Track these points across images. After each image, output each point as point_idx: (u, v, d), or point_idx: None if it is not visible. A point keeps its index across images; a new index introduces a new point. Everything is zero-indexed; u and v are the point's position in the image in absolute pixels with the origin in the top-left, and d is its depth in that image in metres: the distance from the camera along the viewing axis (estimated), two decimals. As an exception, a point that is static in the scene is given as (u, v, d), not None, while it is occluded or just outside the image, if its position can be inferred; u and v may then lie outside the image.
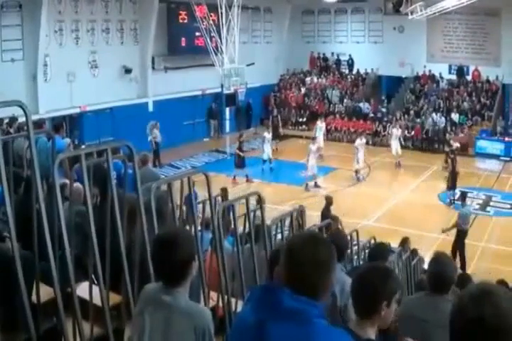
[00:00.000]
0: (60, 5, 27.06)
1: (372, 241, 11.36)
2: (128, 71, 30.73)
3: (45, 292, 4.98)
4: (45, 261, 4.53)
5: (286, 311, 2.77)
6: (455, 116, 35.42)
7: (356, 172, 27.40)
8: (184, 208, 5.96)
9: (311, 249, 2.84)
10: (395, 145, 30.51)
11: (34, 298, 4.86)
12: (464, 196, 19.58)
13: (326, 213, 17.21)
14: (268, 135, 28.78)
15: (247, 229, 6.63)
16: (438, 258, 5.47)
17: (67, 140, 14.76)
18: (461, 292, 2.69)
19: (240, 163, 26.96)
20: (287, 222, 7.48)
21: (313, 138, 27.36)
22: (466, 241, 18.41)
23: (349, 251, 10.05)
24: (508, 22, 34.70)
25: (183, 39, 33.40)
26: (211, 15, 31.35)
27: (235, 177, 26.78)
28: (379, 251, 7.75)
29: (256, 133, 36.56)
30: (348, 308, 5.32)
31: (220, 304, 5.91)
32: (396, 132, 31.19)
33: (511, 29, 34.04)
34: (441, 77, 38.57)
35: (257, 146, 32.21)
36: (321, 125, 32.22)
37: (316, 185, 25.68)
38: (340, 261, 6.34)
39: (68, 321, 4.70)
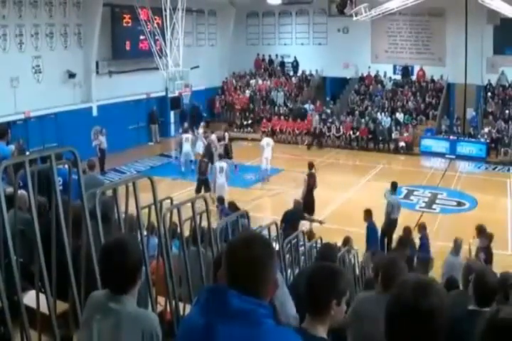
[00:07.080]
0: (4, 9, 26.64)
1: (319, 242, 11.43)
2: (72, 76, 30.37)
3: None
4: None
5: (235, 312, 2.74)
6: (400, 116, 35.89)
7: None
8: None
9: (247, 248, 2.84)
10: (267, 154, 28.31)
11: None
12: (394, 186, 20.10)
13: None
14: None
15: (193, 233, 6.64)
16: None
17: (12, 147, 14.57)
18: (399, 284, 2.76)
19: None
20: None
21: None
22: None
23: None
24: (453, 22, 35.39)
25: (128, 43, 33.20)
26: (155, 19, 31.18)
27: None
28: (328, 251, 7.76)
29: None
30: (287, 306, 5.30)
31: (168, 309, 5.91)
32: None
33: (456, 29, 34.56)
34: (386, 77, 39.15)
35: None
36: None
37: None
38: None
39: (16, 330, 4.64)
